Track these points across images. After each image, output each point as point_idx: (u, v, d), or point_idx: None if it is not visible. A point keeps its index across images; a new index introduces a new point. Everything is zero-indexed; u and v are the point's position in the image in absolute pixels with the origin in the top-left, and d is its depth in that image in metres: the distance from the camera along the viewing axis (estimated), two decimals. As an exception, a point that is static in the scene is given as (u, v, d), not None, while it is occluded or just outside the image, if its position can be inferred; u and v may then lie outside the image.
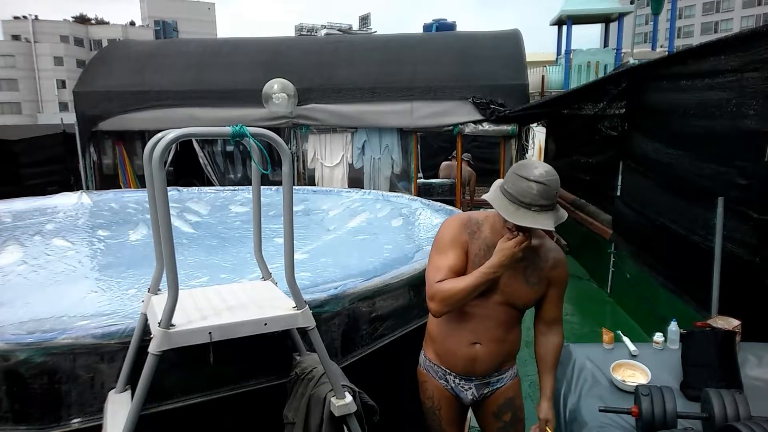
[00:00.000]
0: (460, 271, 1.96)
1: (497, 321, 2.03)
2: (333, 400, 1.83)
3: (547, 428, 2.09)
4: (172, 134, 1.56)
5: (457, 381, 2.14)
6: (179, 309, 1.65)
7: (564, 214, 1.85)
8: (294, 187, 2.30)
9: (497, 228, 1.95)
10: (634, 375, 2.48)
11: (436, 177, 8.92)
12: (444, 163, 8.91)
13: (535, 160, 1.85)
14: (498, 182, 1.92)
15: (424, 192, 7.90)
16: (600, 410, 2.15)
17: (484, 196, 1.90)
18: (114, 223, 4.31)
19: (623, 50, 15.65)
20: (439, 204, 4.47)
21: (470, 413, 2.37)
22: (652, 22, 18.48)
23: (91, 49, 52.35)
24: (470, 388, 2.14)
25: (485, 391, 2.15)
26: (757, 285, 3.06)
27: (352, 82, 7.75)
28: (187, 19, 63.55)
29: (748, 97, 3.12)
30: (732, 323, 2.66)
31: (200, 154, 8.33)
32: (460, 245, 1.98)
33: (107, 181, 8.52)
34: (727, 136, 3.38)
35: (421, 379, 2.24)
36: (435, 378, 2.18)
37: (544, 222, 1.77)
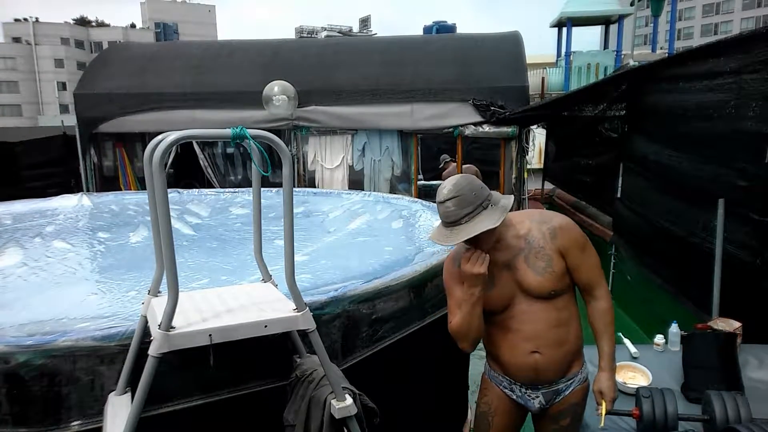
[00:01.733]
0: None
1: (546, 322, 1.96)
2: (333, 402, 1.83)
3: (603, 402, 1.98)
4: (172, 136, 1.56)
5: (524, 390, 2.08)
6: (179, 311, 1.65)
7: (507, 202, 1.85)
8: (294, 189, 2.30)
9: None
10: (635, 377, 2.48)
11: (437, 179, 8.91)
12: (446, 173, 8.86)
13: (442, 183, 1.87)
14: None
15: (425, 194, 7.90)
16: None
17: (430, 236, 1.95)
18: (114, 225, 4.30)
19: (623, 52, 15.68)
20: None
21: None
22: (652, 24, 18.52)
23: (91, 52, 52.45)
24: (538, 397, 2.08)
25: (554, 399, 2.08)
26: (757, 287, 3.06)
27: (353, 84, 7.76)
28: (188, 21, 63.70)
29: (748, 98, 3.12)
30: (733, 325, 2.66)
31: (200, 156, 8.33)
32: (456, 280, 2.02)
33: (108, 183, 8.52)
34: (727, 138, 3.38)
35: (483, 386, 2.21)
36: (499, 387, 2.14)
37: (483, 224, 1.77)
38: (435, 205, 1.91)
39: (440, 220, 1.88)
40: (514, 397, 2.11)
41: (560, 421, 2.10)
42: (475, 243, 1.85)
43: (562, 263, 1.95)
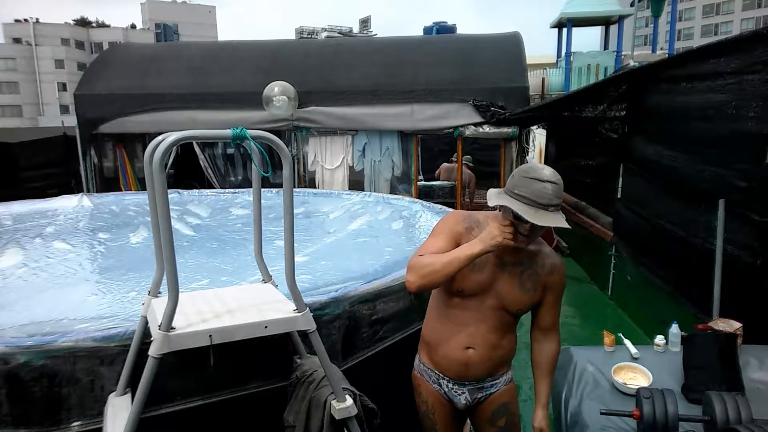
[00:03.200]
0: None
1: (491, 326, 2.03)
2: (334, 403, 1.83)
3: None
4: (172, 137, 1.56)
5: (450, 386, 2.13)
6: (179, 312, 1.65)
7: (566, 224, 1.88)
8: (294, 189, 2.30)
9: None
10: (635, 378, 2.48)
11: (436, 179, 8.92)
12: (444, 166, 8.92)
13: (537, 163, 1.87)
14: (495, 191, 1.91)
15: (425, 194, 7.90)
16: (601, 413, 2.14)
17: (494, 202, 1.87)
18: (114, 226, 4.31)
19: (623, 53, 15.66)
20: (439, 206, 4.48)
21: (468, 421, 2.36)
22: (652, 25, 18.52)
23: (92, 52, 52.49)
24: (463, 393, 2.13)
25: (479, 396, 2.14)
26: (758, 287, 3.06)
27: (353, 84, 7.76)
28: (188, 22, 63.72)
29: (748, 99, 3.12)
30: (733, 326, 2.66)
31: (201, 156, 8.33)
32: (453, 235, 1.98)
33: (108, 183, 8.52)
34: (727, 139, 3.38)
35: (415, 383, 2.23)
36: (429, 382, 2.17)
37: (559, 221, 1.80)
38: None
39: (519, 196, 1.80)
40: (442, 392, 2.15)
41: (497, 422, 2.16)
42: (532, 233, 1.85)
43: (541, 296, 2.06)
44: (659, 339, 2.77)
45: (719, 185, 3.39)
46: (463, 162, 7.97)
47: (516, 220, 1.83)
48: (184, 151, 8.63)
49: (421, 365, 2.20)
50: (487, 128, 7.32)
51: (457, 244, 1.96)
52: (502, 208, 1.89)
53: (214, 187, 7.77)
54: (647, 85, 4.77)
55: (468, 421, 2.31)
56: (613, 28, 17.11)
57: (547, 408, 2.13)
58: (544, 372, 2.14)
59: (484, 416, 2.17)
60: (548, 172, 1.83)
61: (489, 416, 2.16)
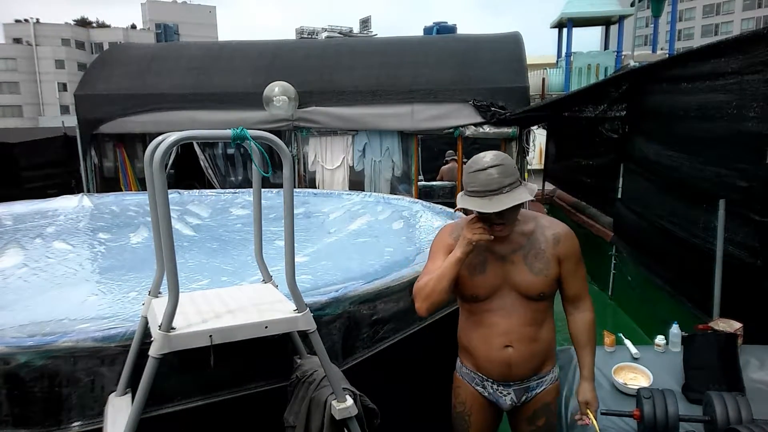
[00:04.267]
0: None
1: (523, 318, 1.99)
2: (334, 403, 1.83)
3: (588, 412, 2.01)
4: (173, 137, 1.56)
5: (495, 387, 2.09)
6: (180, 312, 1.65)
7: (534, 186, 1.89)
8: (295, 189, 2.30)
9: None
10: (635, 378, 2.48)
11: (436, 179, 8.92)
12: (444, 167, 8.91)
13: (479, 154, 1.88)
14: (459, 195, 1.94)
15: (425, 194, 7.90)
16: (602, 413, 2.14)
17: (457, 206, 1.92)
18: (115, 226, 4.31)
19: (624, 53, 15.65)
20: (439, 206, 4.47)
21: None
22: (652, 25, 18.53)
23: (92, 53, 52.51)
24: (509, 394, 2.09)
25: (525, 397, 2.09)
26: (758, 287, 3.05)
27: (353, 84, 7.76)
28: (188, 22, 63.73)
29: (749, 99, 3.11)
30: (734, 326, 2.66)
31: (201, 156, 8.33)
32: (445, 249, 2.01)
33: (108, 183, 8.52)
34: (727, 139, 3.37)
35: (455, 384, 2.21)
36: (471, 384, 2.14)
37: (518, 197, 1.80)
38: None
39: (471, 191, 1.84)
40: (486, 394, 2.12)
41: (536, 421, 2.12)
42: (503, 218, 1.85)
43: (557, 270, 1.99)
44: (659, 339, 2.77)
45: (719, 185, 3.39)
46: (460, 160, 7.95)
47: (480, 213, 1.86)
48: (185, 151, 8.64)
49: (464, 368, 2.17)
50: (487, 128, 7.32)
51: None
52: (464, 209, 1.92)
53: (214, 188, 7.78)
54: (647, 86, 4.77)
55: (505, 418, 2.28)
56: (614, 28, 17.11)
57: (593, 380, 2.06)
58: (582, 343, 2.07)
59: (525, 415, 2.13)
60: (489, 158, 1.84)
61: (530, 415, 2.12)
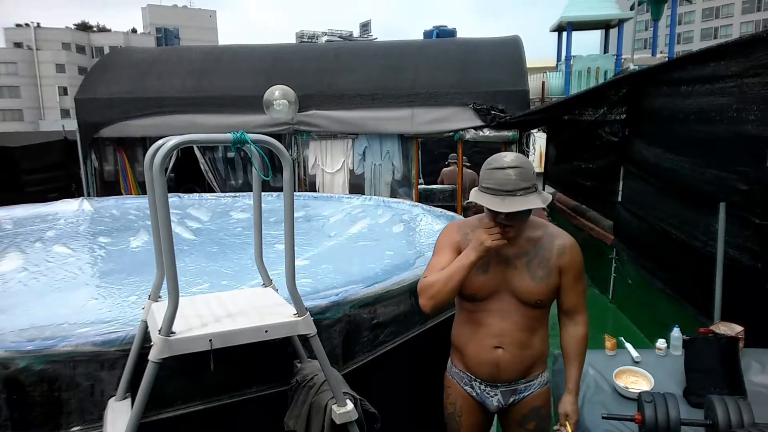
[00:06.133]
0: None
1: (517, 323, 2.00)
2: (334, 407, 1.82)
3: (567, 423, 2.03)
4: (173, 141, 1.56)
5: (482, 387, 2.11)
6: (180, 316, 1.64)
7: (548, 196, 1.89)
8: (295, 193, 2.30)
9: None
10: (637, 381, 2.47)
11: (437, 183, 8.93)
12: (445, 171, 8.91)
13: (500, 153, 1.89)
14: (474, 188, 1.95)
15: (425, 198, 7.90)
16: (603, 417, 2.14)
17: (469, 200, 1.93)
18: (115, 230, 4.30)
19: (623, 56, 15.71)
20: (440, 210, 4.47)
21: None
22: (652, 28, 18.56)
23: (92, 56, 52.67)
24: (496, 395, 2.10)
25: (512, 399, 2.11)
26: (759, 290, 3.05)
27: (353, 88, 7.77)
28: (189, 26, 63.89)
29: (749, 102, 3.12)
30: (735, 329, 2.66)
31: (201, 160, 8.33)
32: (452, 246, 2.02)
33: (108, 187, 8.52)
34: (727, 142, 3.38)
35: (446, 385, 2.22)
36: (460, 384, 2.16)
37: (531, 203, 1.80)
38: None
39: (485, 188, 1.84)
40: (474, 394, 2.13)
41: (526, 424, 2.13)
42: (512, 221, 1.85)
43: (557, 280, 2.00)
44: (661, 342, 2.77)
45: (720, 188, 3.39)
46: (453, 162, 7.96)
47: (489, 212, 1.86)
48: (185, 154, 8.64)
49: (453, 368, 2.19)
50: (487, 132, 7.33)
51: (458, 253, 1.98)
52: (475, 204, 1.91)
53: (214, 191, 7.77)
54: (647, 89, 4.78)
55: (496, 420, 2.28)
56: (613, 32, 17.16)
57: (577, 394, 2.08)
58: (572, 357, 2.08)
59: (514, 418, 2.14)
60: (510, 158, 1.84)
61: (519, 418, 2.13)
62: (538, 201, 1.81)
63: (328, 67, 8.24)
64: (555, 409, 2.50)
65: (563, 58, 15.98)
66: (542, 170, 9.48)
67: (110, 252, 3.65)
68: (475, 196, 1.88)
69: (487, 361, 2.04)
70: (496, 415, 2.21)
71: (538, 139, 10.83)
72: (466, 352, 2.10)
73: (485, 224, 1.90)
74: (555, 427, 2.09)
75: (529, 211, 1.88)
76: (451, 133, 7.47)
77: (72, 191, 9.09)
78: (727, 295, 3.17)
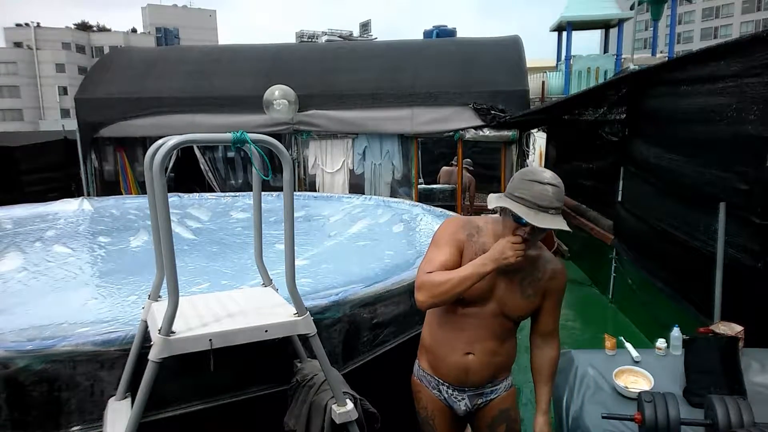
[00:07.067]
0: (452, 269, 1.92)
1: (491, 332, 2.02)
2: (334, 407, 1.82)
3: None
4: (173, 141, 1.56)
5: (450, 392, 2.11)
6: (179, 316, 1.64)
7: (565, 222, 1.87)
8: (295, 193, 2.29)
9: (499, 235, 1.93)
10: (636, 381, 2.47)
11: (437, 183, 8.93)
12: (444, 169, 8.93)
13: (537, 166, 1.87)
14: (496, 195, 1.91)
15: (425, 198, 7.90)
16: (603, 417, 2.14)
17: (494, 204, 1.87)
18: (115, 230, 4.31)
19: (623, 56, 15.71)
20: (439, 210, 4.47)
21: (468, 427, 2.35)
22: (651, 28, 18.57)
23: (92, 56, 52.67)
24: (463, 399, 2.11)
25: (479, 402, 2.12)
26: (759, 290, 3.05)
27: (353, 88, 7.77)
28: (189, 26, 63.93)
29: (749, 102, 3.12)
30: (735, 329, 2.65)
31: (201, 160, 8.34)
32: (455, 243, 1.98)
33: (108, 187, 8.52)
34: (727, 142, 3.38)
35: (415, 389, 2.21)
36: (428, 388, 2.15)
37: (560, 223, 1.79)
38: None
39: (519, 197, 1.80)
40: (442, 398, 2.13)
41: (497, 428, 2.15)
42: (533, 237, 1.85)
43: (540, 301, 2.04)
44: (660, 342, 2.77)
45: (720, 188, 3.39)
46: (464, 165, 7.98)
47: (515, 222, 1.83)
48: (185, 154, 8.63)
49: (421, 371, 2.18)
50: (487, 131, 7.33)
51: (460, 253, 1.96)
52: (502, 210, 1.88)
53: (214, 191, 7.77)
54: (647, 89, 4.77)
55: (468, 427, 2.29)
56: (613, 32, 17.16)
57: (548, 414, 2.11)
58: (544, 378, 2.12)
59: (484, 422, 2.16)
60: (549, 174, 1.82)
61: (489, 422, 2.15)
62: (564, 224, 1.80)
63: (328, 66, 8.24)
64: (555, 410, 2.51)
65: (563, 58, 15.98)
66: (542, 170, 9.46)
67: (110, 252, 3.66)
68: (504, 202, 1.83)
69: (457, 365, 2.05)
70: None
71: (538, 139, 10.83)
72: (436, 356, 2.10)
73: (508, 236, 1.86)
74: None
75: (544, 233, 1.87)
76: (451, 133, 7.47)
77: (72, 191, 9.09)
78: (727, 295, 3.17)
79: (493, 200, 1.88)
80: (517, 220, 1.81)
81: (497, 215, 1.97)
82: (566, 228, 1.78)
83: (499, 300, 1.99)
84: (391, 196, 7.01)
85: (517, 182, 1.84)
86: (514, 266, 1.92)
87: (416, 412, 2.23)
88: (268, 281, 2.12)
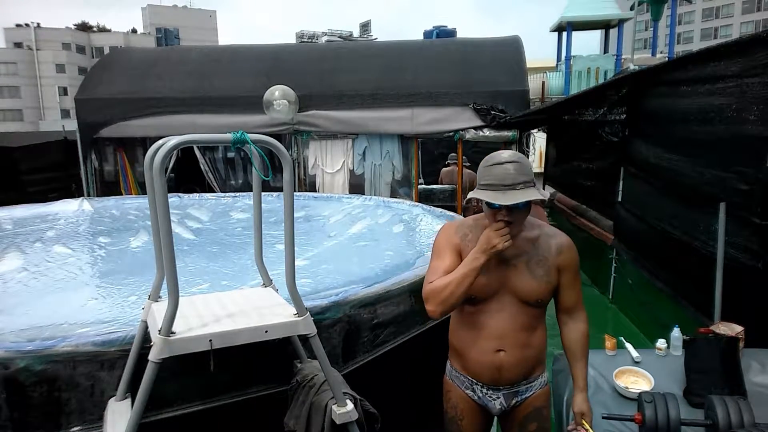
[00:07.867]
0: None
1: (518, 323, 1.99)
2: (334, 407, 1.82)
3: (584, 422, 2.02)
4: (173, 141, 1.56)
5: (484, 391, 2.10)
6: (180, 316, 1.64)
7: (547, 192, 1.89)
8: (295, 193, 2.30)
9: (487, 227, 1.95)
10: (637, 381, 2.47)
11: (437, 183, 8.93)
12: (445, 170, 8.93)
13: (498, 151, 1.90)
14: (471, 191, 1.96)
15: (425, 198, 7.91)
16: (603, 417, 2.14)
17: (469, 195, 1.93)
18: (115, 230, 4.31)
19: (623, 56, 15.72)
20: (439, 210, 4.47)
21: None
22: (651, 28, 18.58)
23: (92, 57, 52.66)
24: (498, 398, 2.09)
25: (514, 401, 2.10)
26: (759, 290, 3.05)
27: (353, 88, 7.78)
28: (189, 26, 63.95)
29: (749, 102, 3.12)
30: (735, 329, 2.66)
31: (201, 160, 8.34)
32: (453, 248, 2.01)
33: (108, 187, 8.52)
34: (727, 142, 3.38)
35: (445, 388, 2.21)
36: (461, 388, 2.14)
37: (530, 195, 1.80)
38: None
39: (485, 184, 1.84)
40: (476, 398, 2.12)
41: (527, 426, 2.13)
42: (512, 217, 1.85)
43: (556, 278, 2.01)
44: (661, 343, 2.77)
45: (720, 188, 3.39)
46: (454, 162, 7.97)
47: (490, 208, 1.86)
48: (185, 154, 8.64)
49: (453, 371, 2.18)
50: (487, 132, 7.34)
51: (459, 256, 1.98)
52: (478, 203, 1.92)
53: (214, 191, 7.78)
54: (647, 89, 4.78)
55: (495, 424, 2.28)
56: (613, 32, 17.17)
57: (586, 391, 2.08)
58: (577, 354, 2.08)
59: (516, 420, 2.14)
60: (507, 154, 1.86)
61: (520, 420, 2.13)
62: (536, 193, 1.82)
63: (328, 67, 8.24)
64: (555, 408, 2.51)
65: (563, 58, 16.00)
66: (542, 170, 9.49)
67: (110, 252, 3.65)
68: (474, 193, 1.88)
69: (489, 364, 2.03)
70: (496, 417, 2.20)
71: (538, 139, 10.83)
72: (467, 356, 2.08)
73: (490, 225, 1.88)
74: (569, 427, 2.07)
75: (528, 208, 1.88)
76: (451, 133, 7.47)
77: (72, 191, 9.09)
78: (727, 295, 3.17)
79: (470, 194, 1.92)
80: (490, 206, 1.85)
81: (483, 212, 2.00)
82: (538, 197, 1.81)
83: (512, 288, 1.98)
84: (391, 197, 7.01)
85: (480, 171, 1.89)
86: (512, 251, 1.94)
87: (444, 411, 2.22)
88: (268, 281, 2.12)
